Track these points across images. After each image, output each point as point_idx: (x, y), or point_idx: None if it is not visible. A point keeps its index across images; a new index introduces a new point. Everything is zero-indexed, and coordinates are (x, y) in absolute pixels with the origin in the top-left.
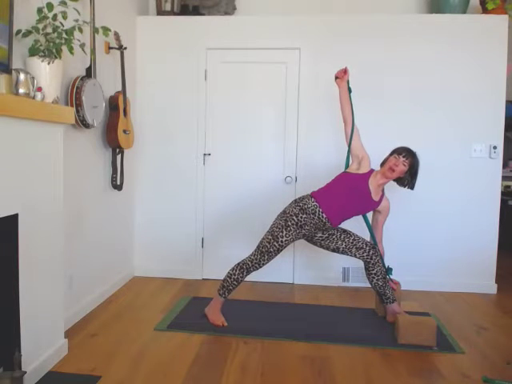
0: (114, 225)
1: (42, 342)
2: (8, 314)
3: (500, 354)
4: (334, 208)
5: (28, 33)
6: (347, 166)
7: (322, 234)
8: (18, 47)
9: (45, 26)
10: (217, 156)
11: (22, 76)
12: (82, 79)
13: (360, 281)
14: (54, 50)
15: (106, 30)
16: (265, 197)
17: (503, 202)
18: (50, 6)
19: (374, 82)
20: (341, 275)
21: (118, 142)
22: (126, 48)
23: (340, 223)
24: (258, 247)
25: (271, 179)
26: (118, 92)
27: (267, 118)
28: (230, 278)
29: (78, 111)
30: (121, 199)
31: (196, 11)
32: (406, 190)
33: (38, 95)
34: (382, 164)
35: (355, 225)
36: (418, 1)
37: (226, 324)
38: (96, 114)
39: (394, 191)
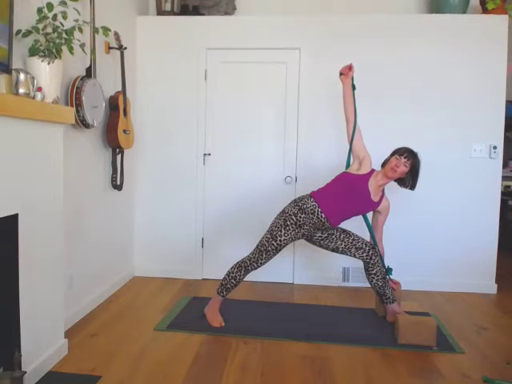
0: (114, 225)
1: (42, 342)
2: (8, 313)
3: (500, 354)
4: (333, 208)
5: (28, 33)
6: (348, 165)
7: (322, 233)
8: (18, 47)
9: (45, 26)
10: (217, 156)
11: (21, 76)
12: (81, 79)
13: (360, 281)
14: (53, 50)
15: (105, 30)
16: (265, 197)
17: (503, 202)
18: (49, 6)
19: (373, 81)
20: (341, 275)
21: (118, 142)
22: (125, 48)
23: (339, 223)
24: (257, 246)
25: (271, 179)
26: (118, 92)
27: (267, 118)
28: (229, 277)
29: (78, 111)
30: (121, 199)
31: (196, 11)
32: (406, 190)
33: (38, 95)
34: (383, 164)
35: (355, 225)
36: (417, 1)
37: (223, 324)
38: (96, 114)
39: (394, 191)
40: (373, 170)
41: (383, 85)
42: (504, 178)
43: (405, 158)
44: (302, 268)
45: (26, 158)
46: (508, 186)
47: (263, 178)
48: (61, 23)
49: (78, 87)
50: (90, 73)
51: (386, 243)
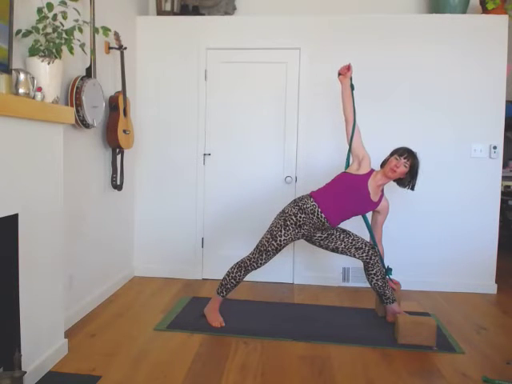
0: (114, 225)
1: (41, 342)
2: (8, 313)
3: (500, 354)
4: (333, 208)
5: (28, 33)
6: (347, 165)
7: (321, 233)
8: (17, 47)
9: (45, 26)
10: (217, 156)
11: (22, 76)
12: (82, 79)
13: (360, 281)
14: (54, 50)
15: (105, 29)
16: (265, 197)
17: (503, 202)
18: (49, 6)
19: (373, 81)
20: (341, 275)
21: (118, 142)
22: (125, 48)
23: (339, 223)
24: (257, 246)
25: (271, 179)
26: (118, 92)
27: (267, 118)
28: (229, 277)
29: (78, 111)
30: (121, 199)
31: (196, 11)
32: (406, 190)
33: (38, 95)
34: (382, 165)
35: (355, 225)
36: (417, 1)
37: (223, 324)
38: (96, 114)
39: (393, 191)
40: (372, 170)
41: (383, 85)
42: (504, 178)
43: (404, 158)
44: (302, 268)
45: (26, 158)
46: (508, 186)
47: (263, 177)
48: (61, 23)
49: (78, 87)
50: (90, 73)
51: (385, 243)
